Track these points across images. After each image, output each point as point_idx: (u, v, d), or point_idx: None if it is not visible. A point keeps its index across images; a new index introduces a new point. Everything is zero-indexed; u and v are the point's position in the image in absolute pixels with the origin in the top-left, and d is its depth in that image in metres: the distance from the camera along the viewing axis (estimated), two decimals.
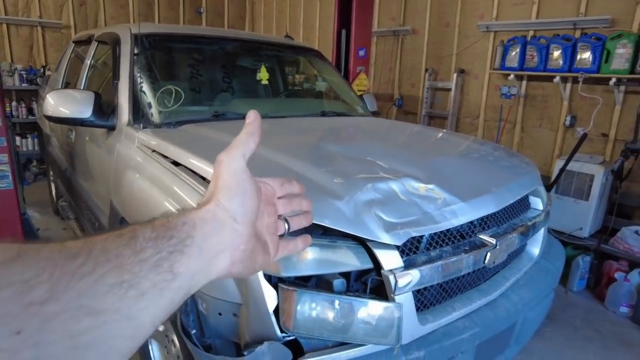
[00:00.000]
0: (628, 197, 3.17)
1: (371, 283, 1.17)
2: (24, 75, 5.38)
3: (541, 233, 1.79)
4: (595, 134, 3.38)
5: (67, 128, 2.63)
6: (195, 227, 0.39)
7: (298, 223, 0.55)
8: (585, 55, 3.20)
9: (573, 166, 3.06)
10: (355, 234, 1.11)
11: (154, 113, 1.96)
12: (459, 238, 1.36)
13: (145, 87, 2.04)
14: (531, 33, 3.73)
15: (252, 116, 0.47)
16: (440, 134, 2.29)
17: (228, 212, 0.42)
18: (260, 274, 1.06)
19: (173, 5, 7.01)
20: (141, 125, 1.87)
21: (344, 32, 4.08)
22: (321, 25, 6.20)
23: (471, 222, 1.39)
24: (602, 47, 3.11)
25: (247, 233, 0.43)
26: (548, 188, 3.02)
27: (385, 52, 5.21)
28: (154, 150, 1.64)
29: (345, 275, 1.16)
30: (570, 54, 3.30)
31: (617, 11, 3.23)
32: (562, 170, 3.04)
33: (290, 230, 0.52)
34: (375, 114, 2.85)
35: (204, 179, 1.32)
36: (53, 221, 3.85)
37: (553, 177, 3.18)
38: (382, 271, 1.13)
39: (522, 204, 1.72)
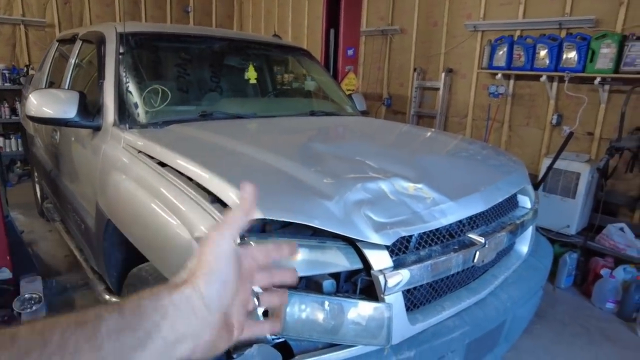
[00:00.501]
0: (613, 194, 3.22)
1: (361, 283, 1.16)
2: (7, 75, 5.27)
3: (529, 231, 1.81)
4: (581, 132, 3.43)
5: (51, 128, 2.58)
6: (165, 316, 0.37)
7: (269, 300, 0.50)
8: (571, 55, 3.24)
9: (560, 164, 3.10)
10: (344, 234, 1.10)
11: (140, 113, 1.93)
12: (448, 237, 1.36)
13: (131, 87, 2.01)
14: (518, 33, 3.77)
15: (249, 191, 0.44)
16: (428, 134, 2.30)
17: (203, 300, 0.39)
18: None
19: (160, 4, 6.93)
20: (127, 125, 1.84)
21: (332, 31, 4.07)
22: (309, 25, 6.19)
23: (460, 221, 1.39)
24: (587, 47, 3.15)
25: (217, 322, 0.41)
26: (535, 186, 3.05)
27: (373, 52, 5.21)
28: (140, 151, 1.61)
29: (335, 276, 1.15)
30: (556, 54, 3.34)
31: (602, 11, 3.28)
32: (549, 168, 3.07)
33: (258, 308, 0.49)
34: (364, 113, 2.84)
35: (190, 179, 1.30)
36: (38, 223, 3.78)
37: (540, 176, 3.21)
38: (371, 271, 1.12)
39: (511, 203, 1.74)
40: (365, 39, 5.27)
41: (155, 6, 6.89)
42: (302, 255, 1.08)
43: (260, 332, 0.52)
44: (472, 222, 1.45)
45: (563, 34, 3.45)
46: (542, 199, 3.16)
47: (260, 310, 1.02)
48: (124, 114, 1.91)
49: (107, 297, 1.97)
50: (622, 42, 3.00)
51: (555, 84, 3.55)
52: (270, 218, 1.04)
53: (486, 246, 1.38)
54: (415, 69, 4.71)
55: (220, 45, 2.48)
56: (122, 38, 2.12)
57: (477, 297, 1.44)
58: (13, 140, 5.38)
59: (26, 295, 2.33)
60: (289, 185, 1.22)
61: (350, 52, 4.08)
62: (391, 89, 5.13)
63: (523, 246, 1.80)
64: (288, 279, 0.52)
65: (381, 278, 1.11)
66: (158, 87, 2.05)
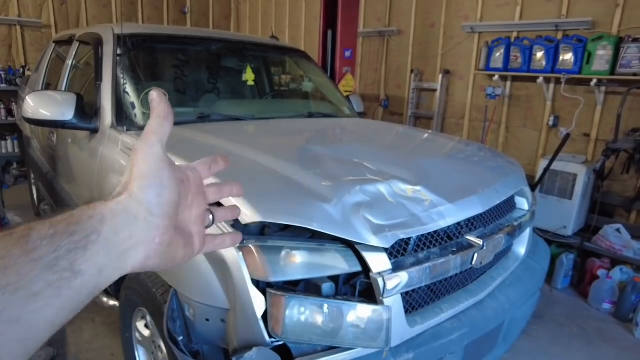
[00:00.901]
0: (609, 196, 3.23)
1: (360, 286, 1.16)
2: (3, 76, 5.24)
3: (527, 233, 1.81)
4: (577, 134, 3.45)
5: (48, 130, 2.57)
6: (103, 221, 0.36)
7: (223, 215, 0.52)
8: (568, 57, 3.25)
9: (557, 166, 3.11)
10: (343, 237, 1.10)
11: (138, 115, 1.92)
12: (446, 239, 1.36)
13: (129, 89, 2.00)
14: (515, 34, 3.79)
15: (157, 97, 0.43)
16: (426, 135, 2.31)
17: (142, 204, 0.39)
18: (248, 279, 1.04)
19: (157, 4, 6.92)
20: (125, 127, 1.84)
21: (330, 32, 4.08)
22: (307, 26, 6.19)
23: (458, 224, 1.40)
24: (583, 49, 3.17)
25: (164, 226, 0.41)
26: (532, 187, 3.07)
27: (371, 53, 5.22)
28: None
29: (334, 278, 1.16)
30: (553, 55, 3.35)
31: (598, 13, 3.30)
32: (546, 169, 3.09)
33: (215, 223, 0.50)
34: (361, 115, 2.85)
35: None
36: None
37: (537, 177, 3.23)
38: (370, 274, 1.13)
39: (508, 205, 1.74)
40: (363, 40, 5.28)
41: (152, 7, 6.88)
42: (301, 258, 1.08)
43: (221, 245, 0.51)
44: (470, 224, 1.46)
45: (560, 35, 3.47)
46: (539, 200, 3.17)
47: (259, 313, 1.03)
48: (122, 116, 1.90)
49: (105, 299, 1.97)
50: (618, 44, 3.01)
51: (551, 86, 3.57)
52: (269, 221, 1.05)
53: (484, 248, 1.39)
54: (412, 71, 4.72)
55: (218, 46, 2.48)
56: (120, 39, 2.12)
57: (475, 299, 1.44)
58: (9, 141, 5.35)
59: None
60: (287, 188, 1.22)
61: (347, 53, 4.09)
62: (388, 91, 5.13)
63: (521, 248, 1.81)
64: (235, 192, 0.53)
65: (380, 281, 1.11)
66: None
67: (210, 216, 0.49)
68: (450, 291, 1.42)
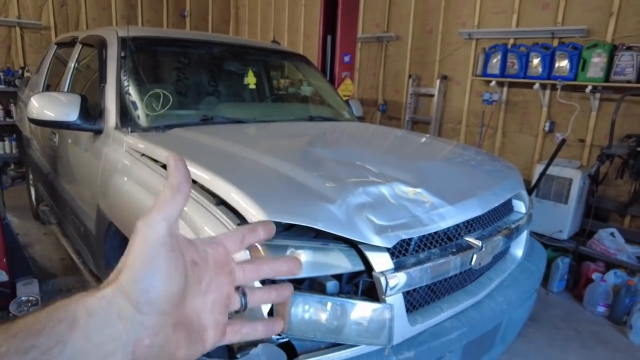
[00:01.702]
0: (604, 200, 3.29)
1: (362, 285, 1.19)
2: (2, 77, 5.25)
3: (524, 235, 1.85)
4: (572, 139, 3.50)
5: (49, 131, 2.59)
6: (74, 325, 0.30)
7: (260, 298, 0.43)
8: (563, 64, 3.31)
9: (552, 170, 3.16)
10: (347, 236, 1.13)
11: (142, 117, 1.95)
12: (446, 240, 1.39)
13: (133, 91, 2.03)
14: (512, 41, 3.85)
15: (174, 163, 0.36)
16: (424, 139, 2.34)
17: (129, 300, 0.33)
18: None
19: (156, 7, 6.95)
20: (129, 129, 1.86)
21: (329, 37, 4.12)
22: (306, 30, 6.24)
23: (458, 225, 1.43)
24: (578, 56, 3.23)
25: (156, 325, 0.34)
26: (529, 192, 3.11)
27: (369, 58, 5.27)
28: (143, 154, 1.63)
29: (338, 277, 1.18)
30: (549, 62, 3.41)
31: (592, 22, 3.36)
32: (542, 174, 3.13)
33: (248, 308, 0.42)
34: (360, 118, 2.88)
35: (194, 182, 1.32)
36: (33, 226, 3.76)
37: (533, 181, 3.27)
38: (373, 273, 1.15)
39: (506, 207, 1.78)
40: (361, 45, 5.33)
41: (152, 10, 6.91)
42: (305, 257, 1.11)
43: (250, 335, 0.42)
44: (470, 225, 1.49)
45: (555, 43, 3.53)
46: (535, 205, 3.22)
47: (265, 310, 1.05)
48: (126, 117, 1.93)
49: None
50: (612, 51, 3.08)
51: (547, 92, 3.63)
52: (275, 220, 1.07)
53: (483, 249, 1.42)
54: (410, 76, 4.77)
55: (220, 50, 2.51)
56: (124, 42, 2.15)
57: (474, 299, 1.47)
58: (7, 142, 5.35)
59: (22, 298, 2.33)
60: (292, 188, 1.25)
61: (346, 58, 4.13)
62: (386, 95, 5.18)
63: (518, 250, 1.84)
64: (285, 270, 0.43)
65: (382, 279, 1.14)
66: (159, 91, 2.07)
67: (242, 300, 0.41)
68: (449, 291, 1.45)
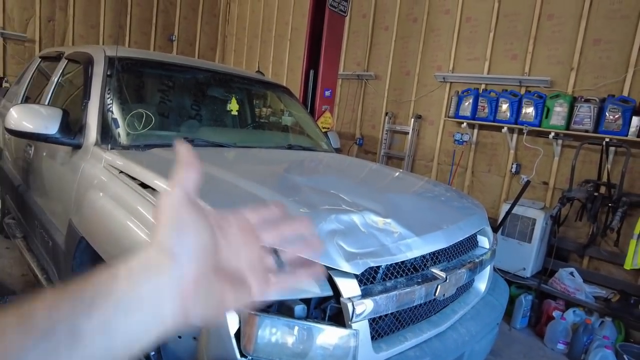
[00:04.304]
0: (564, 241, 3.45)
1: (330, 310, 1.23)
2: None
3: (487, 270, 1.93)
4: (537, 181, 3.70)
5: (25, 143, 2.56)
6: (116, 279, 0.34)
7: (294, 251, 0.46)
8: (529, 110, 3.54)
9: (517, 210, 3.31)
10: (318, 261, 1.17)
11: (123, 135, 1.97)
12: (412, 270, 1.45)
13: (116, 109, 2.06)
14: (483, 86, 4.10)
15: (180, 147, 0.41)
16: (397, 174, 2.44)
17: (165, 252, 0.36)
18: None
19: (145, 30, 7.05)
20: (109, 145, 1.88)
21: (312, 72, 4.28)
22: (290, 64, 6.44)
23: (424, 256, 1.50)
24: (543, 104, 3.47)
25: (196, 273, 0.37)
26: (495, 229, 3.24)
27: (349, 94, 5.47)
28: (121, 171, 1.65)
29: (306, 301, 1.22)
30: (516, 108, 3.64)
31: (556, 74, 3.64)
32: (508, 213, 3.28)
33: (284, 263, 0.45)
34: (337, 150, 2.98)
35: None
36: None
37: (500, 220, 3.41)
38: (341, 298, 1.19)
39: (471, 242, 1.86)
40: (342, 82, 5.53)
41: (140, 32, 7.00)
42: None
43: (295, 283, 0.45)
44: (435, 257, 1.56)
45: (523, 90, 3.78)
46: (501, 242, 3.35)
47: (232, 331, 1.07)
48: (107, 134, 1.94)
49: None
50: (573, 102, 3.32)
51: (515, 136, 3.85)
52: None
53: (447, 281, 1.49)
54: (386, 113, 4.97)
55: (205, 76, 2.58)
56: (110, 61, 2.19)
57: (437, 330, 1.52)
58: None
59: None
60: None
61: (327, 93, 4.29)
62: (364, 130, 5.35)
63: (481, 284, 1.92)
64: (305, 227, 0.47)
65: (350, 305, 1.18)
66: (142, 111, 2.11)
67: (275, 255, 0.45)
68: (414, 321, 1.50)
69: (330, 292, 1.20)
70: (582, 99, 3.26)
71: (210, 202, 1.28)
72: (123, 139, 1.96)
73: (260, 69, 5.19)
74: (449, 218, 1.73)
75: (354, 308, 1.18)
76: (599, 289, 3.13)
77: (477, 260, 1.75)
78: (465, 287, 1.85)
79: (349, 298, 1.19)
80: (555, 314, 3.05)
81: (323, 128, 4.10)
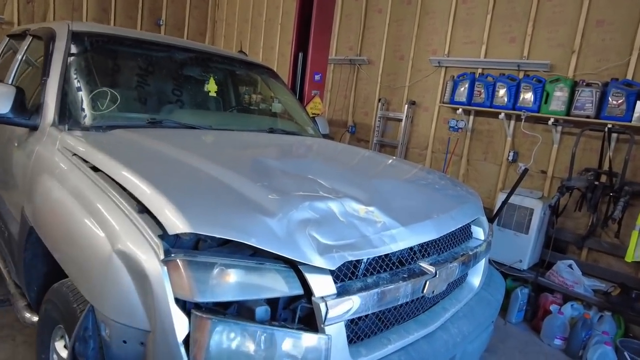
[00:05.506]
0: (563, 232, 3.30)
1: (300, 311, 1.07)
2: None
3: (482, 263, 1.78)
4: (535, 170, 3.54)
5: None
6: None
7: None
8: (528, 95, 3.37)
9: (514, 200, 3.16)
10: (284, 255, 1.01)
11: (82, 115, 1.79)
12: (397, 265, 1.29)
13: (77, 87, 1.87)
14: (480, 70, 3.91)
15: None
16: (387, 160, 2.27)
17: None
18: (171, 298, 0.93)
19: (131, 13, 6.79)
20: (66, 126, 1.70)
21: (301, 55, 4.08)
22: (281, 49, 6.22)
23: (411, 248, 1.34)
24: (542, 89, 3.29)
25: None
26: (491, 220, 3.09)
27: (341, 80, 5.27)
28: (74, 154, 1.47)
29: (274, 301, 1.05)
30: (514, 93, 3.47)
31: (556, 57, 3.46)
32: (504, 203, 3.12)
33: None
34: (326, 136, 2.80)
35: (123, 188, 1.17)
36: None
37: (496, 210, 3.26)
38: (312, 298, 1.03)
39: (464, 233, 1.70)
40: (334, 67, 5.34)
41: (126, 15, 6.74)
42: (235, 277, 0.98)
43: None
44: (424, 249, 1.40)
45: (521, 75, 3.60)
46: (497, 233, 3.20)
47: (180, 338, 0.90)
48: (65, 114, 1.76)
49: (28, 315, 1.76)
50: (574, 87, 3.15)
51: (512, 122, 3.68)
52: (201, 233, 0.94)
53: (437, 276, 1.33)
54: (380, 100, 4.78)
55: (180, 55, 2.38)
56: (74, 36, 2.00)
57: (425, 331, 1.37)
58: None
59: None
60: (228, 198, 1.12)
61: (317, 77, 4.09)
62: (356, 117, 5.17)
63: (475, 278, 1.77)
64: None
65: (322, 306, 1.02)
66: (107, 90, 1.92)
67: None
68: (399, 321, 1.34)
69: (300, 291, 1.04)
70: (584, 83, 3.09)
71: (164, 186, 1.11)
72: (83, 119, 1.78)
73: (242, 49, 4.97)
74: (440, 206, 1.56)
75: (327, 309, 1.02)
76: (598, 282, 2.99)
77: (470, 253, 1.59)
78: (458, 282, 1.70)
79: (322, 297, 1.03)
80: (552, 308, 2.91)
81: (312, 114, 3.92)
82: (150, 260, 0.97)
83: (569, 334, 2.76)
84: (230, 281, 0.97)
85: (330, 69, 5.29)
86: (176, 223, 0.96)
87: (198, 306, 0.95)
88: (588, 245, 3.20)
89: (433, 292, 1.35)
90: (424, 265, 1.33)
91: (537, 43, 3.58)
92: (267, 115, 2.75)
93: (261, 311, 0.98)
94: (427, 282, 1.30)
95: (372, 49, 4.96)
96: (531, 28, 3.60)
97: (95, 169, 1.33)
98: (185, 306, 0.95)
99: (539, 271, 3.12)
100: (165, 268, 0.95)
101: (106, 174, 1.26)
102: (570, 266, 3.01)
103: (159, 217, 0.99)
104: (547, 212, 3.14)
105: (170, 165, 1.33)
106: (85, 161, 1.39)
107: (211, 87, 2.42)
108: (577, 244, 3.24)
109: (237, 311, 1.01)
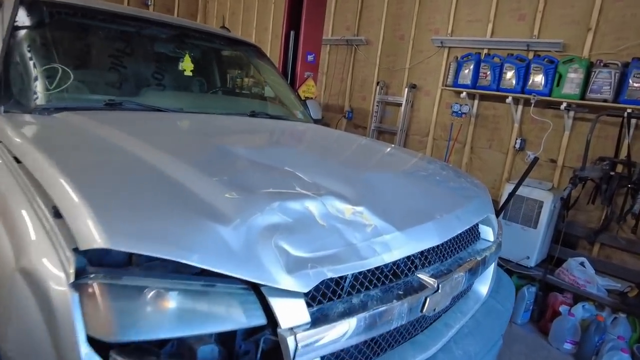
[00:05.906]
0: (573, 226, 3.06)
1: (264, 344, 0.82)
2: None
3: (491, 268, 1.54)
4: (544, 159, 3.28)
5: None
6: None
7: None
8: (538, 78, 3.10)
9: (522, 191, 2.91)
10: (239, 276, 0.76)
11: (27, 94, 1.52)
12: (391, 277, 1.05)
13: (22, 62, 1.60)
14: (485, 51, 3.63)
15: None
16: (383, 148, 2.01)
17: None
18: (81, 338, 0.68)
19: None
20: (2, 108, 1.44)
21: (292, 33, 3.78)
22: (274, 30, 5.90)
23: (408, 257, 1.09)
24: (554, 70, 3.02)
25: None
26: (497, 213, 2.85)
27: (337, 62, 4.98)
28: (0, 141, 1.22)
29: (229, 335, 0.81)
30: (523, 75, 3.19)
31: (569, 36, 3.17)
32: (512, 195, 2.88)
33: None
34: (317, 121, 2.53)
35: (39, 184, 0.92)
36: None
37: (501, 202, 3.02)
38: (278, 330, 0.79)
39: (471, 234, 1.46)
40: (330, 48, 5.04)
41: None
42: (173, 305, 0.73)
43: None
44: (424, 258, 1.15)
45: (531, 55, 3.32)
46: (503, 228, 2.95)
47: None
48: (6, 93, 1.50)
49: None
50: (589, 68, 2.88)
51: (520, 107, 3.41)
52: (119, 249, 0.69)
53: (439, 291, 1.08)
54: (378, 83, 4.49)
55: (151, 29, 2.10)
56: (22, 3, 1.73)
57: (424, 355, 1.13)
58: None
59: None
60: (170, 199, 0.87)
61: (310, 57, 3.80)
62: (353, 102, 4.89)
63: (483, 287, 1.53)
64: None
65: (290, 341, 0.77)
66: (58, 66, 1.66)
67: None
68: (392, 345, 1.10)
69: (262, 320, 0.80)
70: (601, 64, 2.81)
71: (88, 184, 0.86)
72: (25, 99, 1.51)
73: (225, 24, 4.65)
74: (444, 204, 1.31)
75: (296, 344, 0.78)
76: (613, 281, 2.76)
77: (479, 259, 1.34)
78: (463, 293, 1.46)
79: (291, 329, 0.79)
80: (562, 309, 2.69)
81: (305, 97, 3.64)
82: (58, 283, 0.72)
83: (580, 338, 2.54)
84: (167, 311, 0.73)
85: (325, 50, 4.99)
86: (92, 235, 0.71)
87: (117, 346, 0.70)
88: (601, 241, 2.96)
89: (434, 310, 1.11)
90: (424, 277, 1.09)
91: (549, 20, 3.29)
92: (250, 97, 2.48)
93: (205, 351, 0.73)
94: (428, 299, 1.06)
95: (371, 28, 4.65)
96: (542, 4, 3.30)
97: (17, 159, 1.07)
98: (104, 346, 0.71)
99: (547, 268, 2.89)
100: (77, 295, 0.70)
101: (27, 168, 1.01)
102: (582, 264, 2.77)
103: (70, 226, 0.74)
104: (557, 204, 2.89)
105: (108, 156, 1.07)
106: (9, 150, 1.13)
107: (186, 65, 2.15)
108: (589, 239, 3.00)
109: (176, 350, 0.76)
